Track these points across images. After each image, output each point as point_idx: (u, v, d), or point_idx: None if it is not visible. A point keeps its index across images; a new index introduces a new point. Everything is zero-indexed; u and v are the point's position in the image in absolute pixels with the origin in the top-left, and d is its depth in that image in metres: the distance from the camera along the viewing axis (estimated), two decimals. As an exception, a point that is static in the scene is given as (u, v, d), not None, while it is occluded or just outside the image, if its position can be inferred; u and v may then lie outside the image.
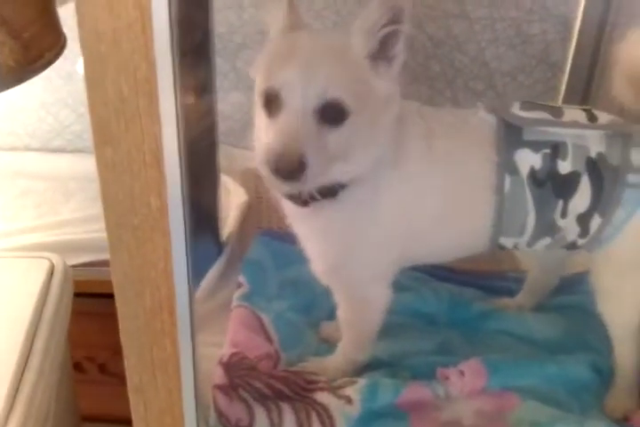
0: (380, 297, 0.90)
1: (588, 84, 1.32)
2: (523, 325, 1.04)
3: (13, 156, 1.50)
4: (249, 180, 1.40)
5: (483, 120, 0.84)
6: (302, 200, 0.81)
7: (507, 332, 1.04)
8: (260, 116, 0.77)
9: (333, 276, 0.89)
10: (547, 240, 0.86)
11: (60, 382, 0.98)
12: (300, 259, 1.04)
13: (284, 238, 1.16)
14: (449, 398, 0.90)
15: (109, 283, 0.66)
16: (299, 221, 0.87)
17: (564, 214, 0.83)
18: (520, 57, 1.35)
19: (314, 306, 1.06)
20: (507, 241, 0.87)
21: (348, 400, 0.87)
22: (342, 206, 0.82)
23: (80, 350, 1.30)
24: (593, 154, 0.81)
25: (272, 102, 0.74)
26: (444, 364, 0.94)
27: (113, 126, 0.50)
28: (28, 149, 1.52)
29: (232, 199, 1.30)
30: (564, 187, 0.82)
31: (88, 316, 1.13)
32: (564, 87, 1.34)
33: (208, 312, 1.05)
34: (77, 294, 1.07)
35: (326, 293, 1.03)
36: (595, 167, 0.81)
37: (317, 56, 0.74)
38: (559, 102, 1.31)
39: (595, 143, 0.81)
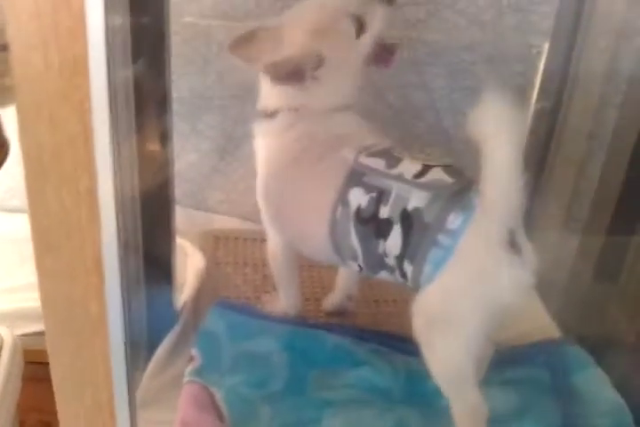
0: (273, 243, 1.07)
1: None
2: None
3: (-30, 216, 1.48)
4: (207, 244, 1.39)
5: (345, 157, 0.94)
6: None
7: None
8: None
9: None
10: (385, 274, 0.94)
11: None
12: (256, 331, 1.03)
13: (241, 310, 1.15)
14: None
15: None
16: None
17: (385, 254, 0.90)
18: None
19: (269, 379, 1.03)
20: (349, 261, 0.96)
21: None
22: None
23: (34, 414, 1.28)
24: (410, 207, 0.87)
25: None
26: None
27: (54, 236, 0.49)
28: (-16, 208, 1.51)
29: (189, 265, 1.29)
30: (380, 229, 0.89)
31: (41, 382, 1.11)
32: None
33: (159, 388, 1.02)
34: (30, 362, 1.05)
35: (282, 366, 1.02)
36: (407, 219, 0.87)
37: None
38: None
39: (416, 198, 0.87)
